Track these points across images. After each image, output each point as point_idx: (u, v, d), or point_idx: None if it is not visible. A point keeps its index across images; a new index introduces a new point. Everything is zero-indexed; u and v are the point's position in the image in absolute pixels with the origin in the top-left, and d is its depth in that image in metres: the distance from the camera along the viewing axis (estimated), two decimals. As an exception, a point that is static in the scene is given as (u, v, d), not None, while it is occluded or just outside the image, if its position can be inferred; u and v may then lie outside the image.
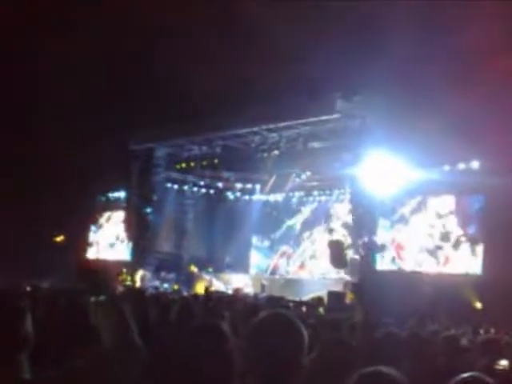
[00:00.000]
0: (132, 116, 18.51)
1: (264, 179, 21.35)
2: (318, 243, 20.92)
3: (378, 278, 15.54)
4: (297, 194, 21.69)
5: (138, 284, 18.70)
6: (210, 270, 21.02)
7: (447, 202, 16.68)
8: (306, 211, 21.76)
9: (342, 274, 17.63)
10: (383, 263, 17.01)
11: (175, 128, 18.05)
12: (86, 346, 2.65)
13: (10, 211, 20.02)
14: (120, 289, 13.73)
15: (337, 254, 16.53)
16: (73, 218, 22.71)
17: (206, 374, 2.09)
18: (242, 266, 21.97)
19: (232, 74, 15.79)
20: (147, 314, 4.62)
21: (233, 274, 20.70)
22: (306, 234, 21.56)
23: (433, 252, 16.63)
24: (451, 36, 13.96)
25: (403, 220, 17.45)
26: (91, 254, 25.55)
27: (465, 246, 16.01)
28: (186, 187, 22.09)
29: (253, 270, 22.35)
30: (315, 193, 21.31)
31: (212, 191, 22.59)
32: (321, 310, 10.72)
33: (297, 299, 14.51)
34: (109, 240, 24.95)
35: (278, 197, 22.08)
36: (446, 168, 15.82)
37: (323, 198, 21.21)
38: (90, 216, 25.37)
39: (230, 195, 22.80)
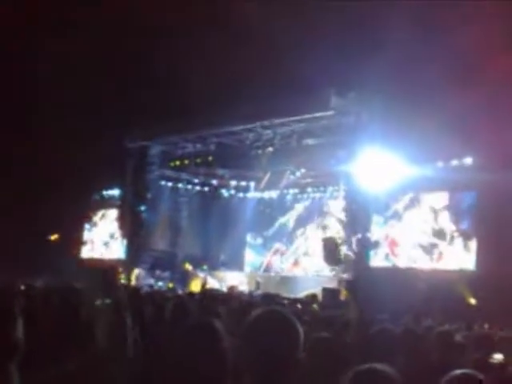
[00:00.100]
0: (127, 115, 18.46)
1: (258, 176, 21.33)
2: (311, 240, 20.92)
3: (372, 274, 15.58)
4: (291, 191, 21.66)
5: (133, 282, 18.66)
6: (205, 267, 20.97)
7: (440, 198, 16.72)
8: (300, 208, 21.76)
9: (336, 271, 17.64)
10: (377, 260, 17.04)
11: (169, 126, 18.01)
12: (80, 345, 2.64)
13: (8, 210, 19.92)
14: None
15: (330, 251, 16.54)
16: (67, 216, 22.63)
17: (201, 373, 2.09)
18: (236, 263, 21.95)
19: (226, 71, 15.78)
20: (142, 313, 4.62)
21: (227, 271, 20.65)
22: (300, 231, 21.54)
23: (426, 248, 16.67)
24: (445, 33, 14.00)
25: (397, 216, 17.45)
26: (85, 252, 25.48)
27: (458, 242, 16.06)
28: (180, 185, 22.04)
29: (247, 268, 22.32)
30: (309, 190, 21.30)
31: (206, 189, 22.53)
32: (315, 306, 10.71)
33: (292, 296, 14.51)
34: (103, 238, 24.89)
35: (273, 194, 22.06)
36: (440, 164, 15.86)
37: (317, 195, 21.19)
38: (84, 214, 25.30)
39: (224, 193, 22.75)
